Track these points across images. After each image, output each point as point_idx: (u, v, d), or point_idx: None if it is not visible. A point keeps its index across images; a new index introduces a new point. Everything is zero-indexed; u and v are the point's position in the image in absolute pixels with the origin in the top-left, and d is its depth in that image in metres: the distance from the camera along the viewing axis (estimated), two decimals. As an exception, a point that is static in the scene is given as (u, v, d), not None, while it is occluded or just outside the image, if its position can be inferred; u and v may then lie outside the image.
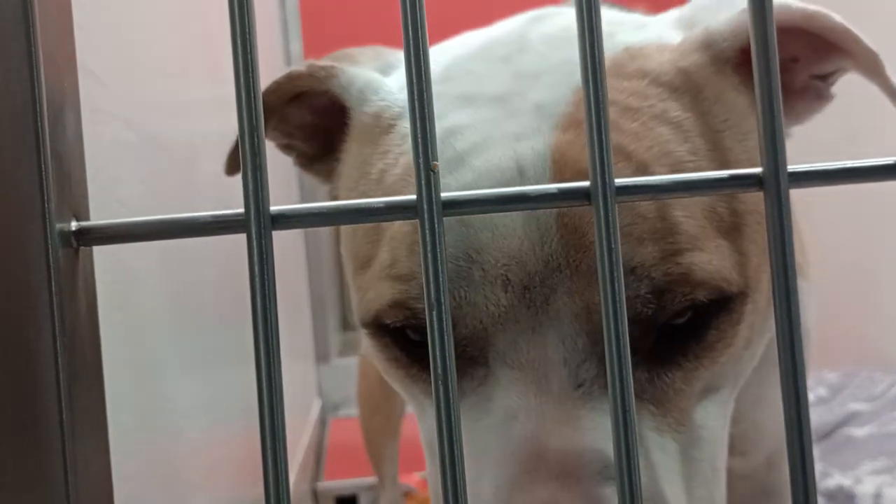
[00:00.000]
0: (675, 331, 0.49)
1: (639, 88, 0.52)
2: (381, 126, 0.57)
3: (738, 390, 0.56)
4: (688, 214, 0.48)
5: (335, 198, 0.65)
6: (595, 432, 0.46)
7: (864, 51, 0.55)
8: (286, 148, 0.70)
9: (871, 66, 0.55)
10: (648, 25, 0.59)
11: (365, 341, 0.58)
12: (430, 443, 0.56)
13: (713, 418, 0.52)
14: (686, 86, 0.53)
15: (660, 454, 0.48)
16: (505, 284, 0.48)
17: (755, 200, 0.53)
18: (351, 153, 0.61)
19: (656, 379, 0.49)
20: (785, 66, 0.55)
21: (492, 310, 0.48)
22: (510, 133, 0.50)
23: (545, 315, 0.47)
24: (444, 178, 0.50)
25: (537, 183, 0.47)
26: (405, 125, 0.55)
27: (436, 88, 0.55)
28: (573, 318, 0.47)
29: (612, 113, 0.50)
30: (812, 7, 0.53)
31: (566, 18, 0.58)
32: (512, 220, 0.48)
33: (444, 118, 0.51)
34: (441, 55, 0.58)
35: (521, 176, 0.49)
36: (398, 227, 0.52)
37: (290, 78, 0.63)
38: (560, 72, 0.52)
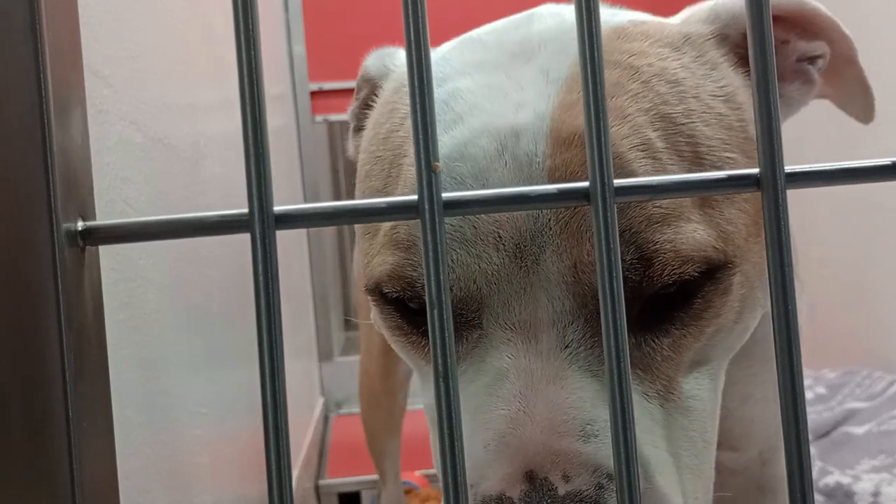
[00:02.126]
0: (662, 300, 0.50)
1: (641, 48, 0.54)
2: (391, 88, 0.61)
3: (728, 363, 0.57)
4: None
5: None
6: (579, 392, 0.47)
7: (841, 37, 0.62)
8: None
9: (846, 51, 0.63)
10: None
11: (371, 309, 0.59)
12: (432, 408, 0.56)
13: (704, 390, 0.52)
14: (687, 47, 0.56)
15: (645, 419, 0.49)
16: (497, 242, 0.49)
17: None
18: (371, 119, 0.63)
19: (644, 345, 0.50)
20: (776, 48, 0.59)
21: (484, 268, 0.49)
22: (511, 96, 0.52)
23: (535, 276, 0.49)
24: (441, 138, 0.51)
25: (534, 144, 0.49)
26: None
27: (448, 56, 0.57)
28: (561, 278, 0.49)
29: (615, 74, 0.52)
30: None
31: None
32: (503, 176, 0.50)
33: (448, 82, 0.54)
34: (464, 36, 0.61)
35: (517, 137, 0.50)
36: (400, 192, 0.53)
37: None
38: (566, 38, 0.54)
